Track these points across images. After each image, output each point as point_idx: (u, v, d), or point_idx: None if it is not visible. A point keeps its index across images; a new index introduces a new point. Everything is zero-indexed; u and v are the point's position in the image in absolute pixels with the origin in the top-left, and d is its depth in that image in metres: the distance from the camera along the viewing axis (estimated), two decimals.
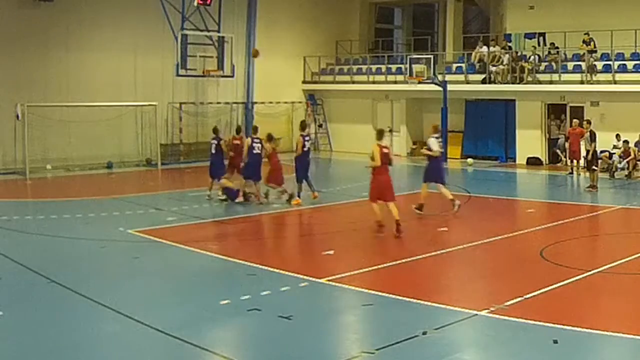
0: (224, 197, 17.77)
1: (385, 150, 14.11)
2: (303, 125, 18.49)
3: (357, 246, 13.69)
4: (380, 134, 14.41)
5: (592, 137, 19.81)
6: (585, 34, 25.13)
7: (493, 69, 27.07)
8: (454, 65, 29.28)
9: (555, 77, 25.66)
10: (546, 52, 26.66)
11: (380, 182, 14.12)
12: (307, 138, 17.95)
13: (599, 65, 24.83)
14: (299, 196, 17.57)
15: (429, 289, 10.40)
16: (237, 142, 18.02)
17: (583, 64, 24.98)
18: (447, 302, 9.34)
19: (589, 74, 24.74)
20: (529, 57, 26.39)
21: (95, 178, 23.51)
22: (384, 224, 13.93)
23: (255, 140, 17.63)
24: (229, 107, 29.43)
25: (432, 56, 27.79)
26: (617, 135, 23.39)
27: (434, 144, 16.23)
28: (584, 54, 24.99)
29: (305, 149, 17.76)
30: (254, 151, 17.44)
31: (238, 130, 18.92)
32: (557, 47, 26.08)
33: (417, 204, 16.31)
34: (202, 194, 18.72)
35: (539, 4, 27.62)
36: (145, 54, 26.71)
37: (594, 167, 19.77)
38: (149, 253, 12.88)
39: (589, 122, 20.40)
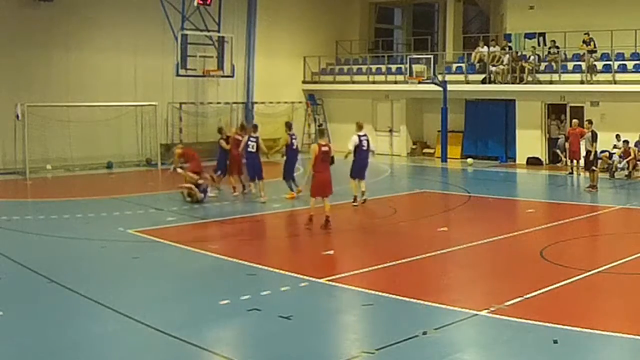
0: (189, 198, 17.79)
1: (324, 149, 14.66)
2: (289, 125, 19.04)
3: (357, 246, 13.72)
4: (321, 133, 15.30)
5: (594, 138, 19.75)
6: (585, 34, 25.13)
7: (493, 69, 27.08)
8: (454, 65, 29.28)
9: (555, 77, 25.67)
10: (546, 52, 26.66)
11: (320, 180, 14.66)
12: (294, 137, 18.67)
13: (599, 65, 24.84)
14: (292, 190, 18.42)
15: (429, 289, 10.39)
16: (239, 137, 18.29)
17: (583, 64, 24.99)
18: (447, 302, 9.34)
19: (589, 74, 24.75)
20: (529, 57, 26.40)
21: (95, 178, 23.51)
22: (314, 219, 14.52)
23: (252, 138, 18.01)
24: (229, 107, 29.43)
25: (432, 56, 27.79)
26: (617, 136, 23.40)
27: (352, 142, 17.34)
28: (584, 54, 25.00)
29: (294, 147, 18.46)
30: (249, 149, 17.89)
31: (242, 127, 19.35)
32: (558, 47, 26.08)
33: (353, 197, 17.47)
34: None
35: (539, 4, 27.61)
36: (145, 54, 26.71)
37: (593, 167, 19.72)
38: (149, 253, 12.89)
39: (590, 122, 20.33)
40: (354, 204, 17.34)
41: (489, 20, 32.74)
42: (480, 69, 27.76)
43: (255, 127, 18.76)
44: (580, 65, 25.16)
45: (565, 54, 25.85)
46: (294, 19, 31.66)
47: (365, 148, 17.43)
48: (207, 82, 28.07)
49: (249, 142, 17.86)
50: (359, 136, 17.40)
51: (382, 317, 9.11)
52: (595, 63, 24.81)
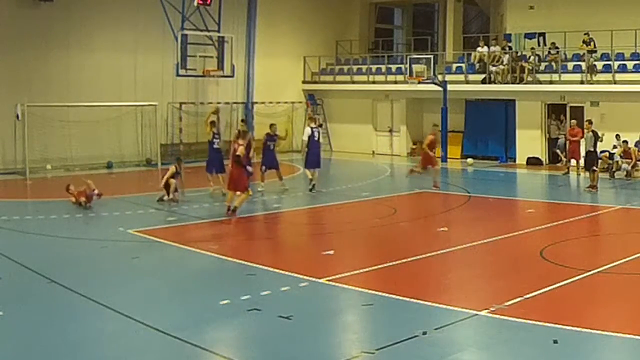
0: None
1: (235, 146, 15.86)
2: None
3: (357, 246, 13.71)
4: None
5: (596, 137, 19.49)
6: (585, 34, 25.12)
7: (493, 69, 27.07)
8: (454, 65, 29.27)
9: (555, 77, 25.65)
10: (546, 52, 26.63)
11: (232, 175, 15.83)
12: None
13: (599, 65, 24.81)
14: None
15: (429, 289, 10.40)
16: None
17: (583, 64, 24.97)
18: (447, 302, 9.34)
19: (589, 74, 24.73)
20: (529, 57, 26.38)
21: (95, 178, 23.40)
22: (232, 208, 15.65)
23: (216, 135, 19.02)
24: (229, 107, 29.43)
25: (432, 56, 27.79)
26: (617, 136, 23.39)
27: (305, 134, 19.61)
28: (584, 54, 24.98)
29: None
30: (214, 146, 18.88)
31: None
32: (558, 47, 26.06)
33: (310, 185, 19.28)
34: (201, 194, 18.73)
35: (539, 4, 27.61)
36: (145, 54, 26.70)
37: (593, 167, 19.57)
38: (149, 253, 12.89)
39: (590, 122, 20.09)
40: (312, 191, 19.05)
41: (489, 20, 32.72)
42: (480, 69, 27.75)
43: (212, 123, 19.22)
44: (580, 65, 25.15)
45: (565, 54, 25.83)
46: (294, 19, 31.64)
47: (316, 139, 19.48)
48: (207, 82, 28.06)
49: (214, 139, 18.87)
50: (312, 128, 19.54)
51: (382, 317, 9.11)
52: (595, 63, 24.79)
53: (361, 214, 16.78)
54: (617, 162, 22.83)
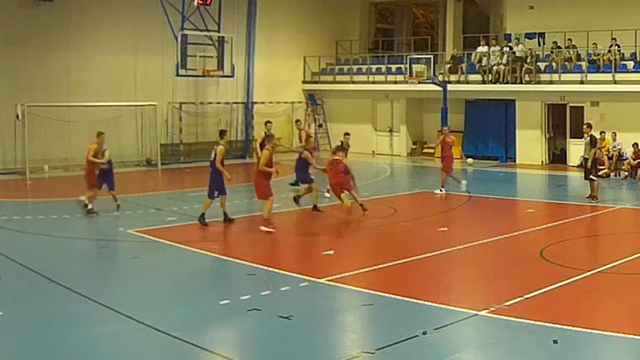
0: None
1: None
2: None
3: (357, 246, 13.72)
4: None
5: (593, 143, 17.74)
6: (613, 38, 24.75)
7: (493, 68, 27.04)
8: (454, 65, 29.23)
9: (555, 77, 25.64)
10: (547, 52, 26.60)
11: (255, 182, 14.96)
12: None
13: (600, 63, 24.74)
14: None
15: (429, 289, 10.40)
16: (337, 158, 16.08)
17: (583, 64, 24.92)
18: (447, 302, 9.35)
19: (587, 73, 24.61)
20: (527, 58, 26.32)
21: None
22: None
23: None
24: (229, 107, 29.44)
25: (432, 56, 27.78)
26: (614, 134, 23.36)
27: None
28: (598, 54, 24.70)
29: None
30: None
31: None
32: (560, 47, 26.02)
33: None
34: (201, 194, 18.69)
35: (539, 4, 27.60)
36: (145, 54, 26.70)
37: (591, 176, 17.74)
38: (149, 253, 12.89)
39: (589, 127, 18.24)
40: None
41: (489, 20, 32.71)
42: (480, 69, 27.73)
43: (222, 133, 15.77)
44: (580, 65, 25.13)
45: (579, 54, 25.57)
46: (294, 19, 31.66)
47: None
48: (207, 82, 28.07)
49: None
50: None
51: (382, 317, 9.11)
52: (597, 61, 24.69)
53: (361, 214, 16.76)
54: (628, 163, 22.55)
